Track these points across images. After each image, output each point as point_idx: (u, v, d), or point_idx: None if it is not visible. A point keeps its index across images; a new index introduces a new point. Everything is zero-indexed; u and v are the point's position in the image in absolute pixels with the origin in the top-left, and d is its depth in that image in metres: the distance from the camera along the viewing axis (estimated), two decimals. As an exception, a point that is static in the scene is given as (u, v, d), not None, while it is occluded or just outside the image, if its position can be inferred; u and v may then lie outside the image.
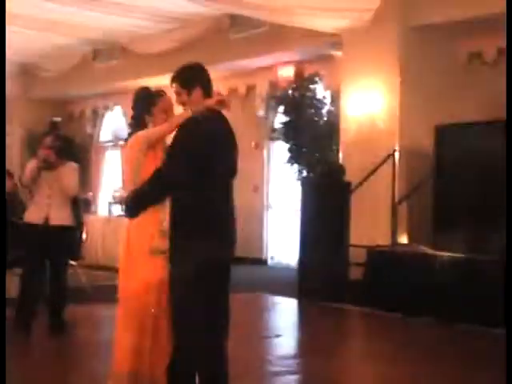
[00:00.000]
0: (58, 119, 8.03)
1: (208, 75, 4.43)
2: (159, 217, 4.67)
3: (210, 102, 4.29)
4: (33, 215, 7.50)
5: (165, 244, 4.36)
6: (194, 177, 4.14)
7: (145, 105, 5.07)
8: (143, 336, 4.67)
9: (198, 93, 4.30)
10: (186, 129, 4.21)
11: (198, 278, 4.12)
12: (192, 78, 4.37)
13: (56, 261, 7.50)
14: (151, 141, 4.86)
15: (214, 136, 4.21)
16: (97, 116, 18.85)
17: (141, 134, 4.94)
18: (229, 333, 4.40)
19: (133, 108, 5.20)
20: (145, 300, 4.65)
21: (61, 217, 7.36)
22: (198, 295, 4.14)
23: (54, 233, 7.32)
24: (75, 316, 8.16)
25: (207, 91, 4.35)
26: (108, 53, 16.23)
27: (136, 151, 4.86)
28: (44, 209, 7.40)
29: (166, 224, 4.42)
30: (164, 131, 4.87)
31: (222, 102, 4.35)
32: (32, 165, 7.47)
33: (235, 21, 13.37)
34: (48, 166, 7.42)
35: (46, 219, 7.38)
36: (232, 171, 4.41)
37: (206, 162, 4.15)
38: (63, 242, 7.49)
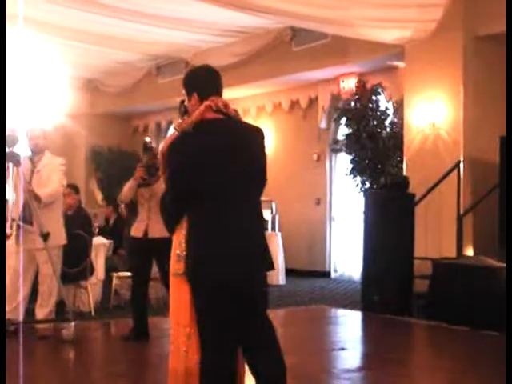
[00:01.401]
0: (148, 139, 8.30)
1: (210, 79, 4.16)
2: (178, 239, 4.68)
3: (197, 113, 4.01)
4: (135, 230, 7.86)
5: (181, 267, 4.25)
6: (188, 195, 3.94)
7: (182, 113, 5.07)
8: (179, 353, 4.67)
9: (194, 99, 4.08)
10: (166, 155, 4.06)
11: (201, 302, 3.98)
12: (189, 83, 4.17)
13: (163, 272, 7.61)
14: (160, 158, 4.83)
15: (192, 153, 3.90)
16: (160, 130, 19.08)
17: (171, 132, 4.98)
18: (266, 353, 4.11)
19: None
20: (177, 319, 4.67)
21: (159, 229, 7.50)
22: (206, 318, 3.99)
23: (155, 245, 7.52)
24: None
25: (204, 97, 4.05)
26: (171, 68, 16.42)
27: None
28: (144, 223, 7.75)
29: (182, 247, 4.35)
30: (159, 161, 4.77)
31: (208, 109, 3.99)
32: (130, 183, 7.79)
33: (297, 33, 13.43)
34: (144, 183, 7.73)
35: (146, 233, 7.71)
36: (240, 181, 3.97)
37: (193, 177, 3.89)
38: (165, 252, 7.64)
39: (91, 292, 9.62)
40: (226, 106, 4.05)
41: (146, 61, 16.27)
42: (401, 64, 11.86)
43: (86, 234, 9.39)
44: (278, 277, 13.42)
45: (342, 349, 7.95)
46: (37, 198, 7.63)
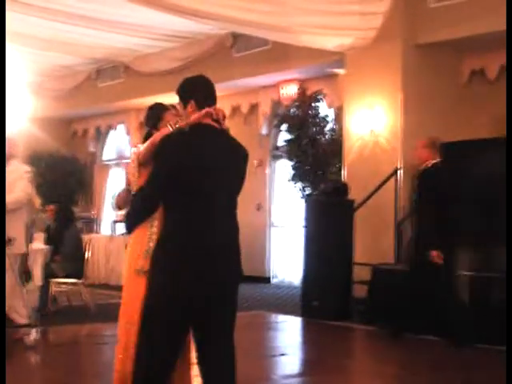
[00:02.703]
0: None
1: (207, 88, 4.25)
2: (146, 236, 4.65)
3: (197, 116, 4.08)
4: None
5: (147, 265, 4.18)
6: (170, 195, 3.94)
7: (154, 120, 5.08)
8: (127, 354, 4.60)
9: (192, 106, 4.13)
10: (159, 145, 4.06)
11: (159, 309, 3.89)
12: (186, 90, 4.23)
13: None
14: (139, 158, 4.86)
15: (186, 150, 3.96)
16: (100, 135, 18.90)
17: (133, 151, 4.97)
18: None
19: (145, 124, 5.24)
20: (130, 318, 4.64)
21: None
22: (161, 318, 3.90)
23: None
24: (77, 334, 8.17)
25: (201, 105, 4.13)
26: (111, 72, 16.29)
27: (131, 168, 4.90)
28: None
29: (152, 244, 4.35)
30: (147, 148, 4.81)
31: (208, 115, 4.07)
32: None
33: (238, 39, 13.43)
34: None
35: None
36: (226, 190, 4.06)
37: (180, 178, 3.90)
38: None
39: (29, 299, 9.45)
40: (224, 118, 4.17)
41: (86, 64, 16.11)
42: (341, 71, 11.95)
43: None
44: (218, 282, 13.37)
45: (282, 354, 7.97)
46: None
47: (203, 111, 4.06)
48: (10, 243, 7.42)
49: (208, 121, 4.07)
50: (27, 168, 8.24)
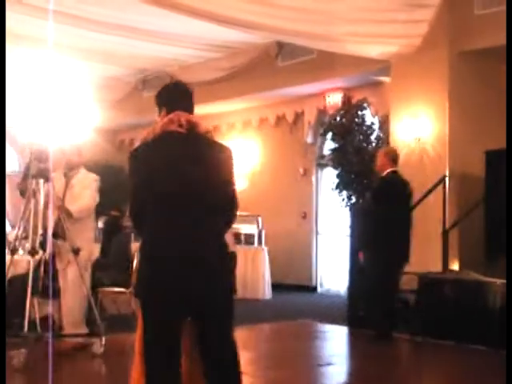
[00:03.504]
0: None
1: (176, 95, 4.23)
2: None
3: (160, 124, 4.09)
4: None
5: None
6: (144, 206, 3.95)
7: None
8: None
9: (163, 113, 4.16)
10: (128, 158, 4.07)
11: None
12: (159, 98, 4.27)
13: None
14: None
15: (147, 162, 3.97)
16: (146, 144, 19.04)
17: None
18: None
19: None
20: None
21: None
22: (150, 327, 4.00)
23: None
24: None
25: (171, 112, 4.11)
26: (157, 82, 16.40)
27: None
28: None
29: None
30: None
31: (172, 122, 4.04)
32: None
33: (283, 48, 13.46)
34: None
35: None
36: (195, 199, 3.93)
37: (146, 190, 3.92)
38: None
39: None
40: (188, 121, 4.07)
41: (132, 75, 16.26)
42: (386, 79, 11.92)
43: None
44: (263, 291, 13.41)
45: (329, 364, 7.94)
46: (68, 214, 7.76)
47: (165, 119, 4.07)
48: (78, 252, 7.53)
49: (173, 128, 4.02)
50: (95, 176, 8.37)
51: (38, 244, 7.34)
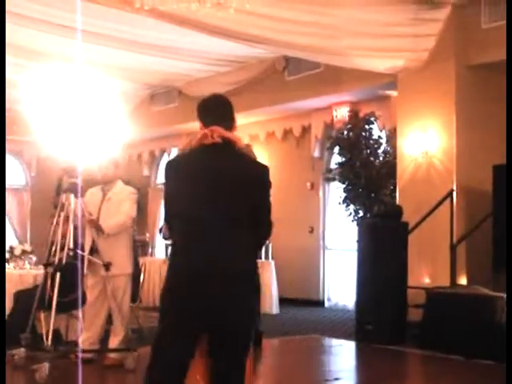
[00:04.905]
0: None
1: (210, 109, 4.26)
2: None
3: (196, 138, 4.13)
4: None
5: None
6: (172, 219, 4.08)
7: None
8: None
9: (201, 127, 4.20)
10: (165, 168, 4.15)
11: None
12: (197, 110, 4.30)
13: None
14: None
15: (178, 175, 4.05)
16: (154, 158, 19.09)
17: None
18: None
19: None
20: None
21: None
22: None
23: None
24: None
25: (207, 125, 4.13)
26: (165, 96, 16.47)
27: None
28: None
29: None
30: None
31: (205, 136, 4.05)
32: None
33: (290, 63, 13.48)
34: None
35: None
36: (224, 214, 3.91)
37: (175, 203, 4.03)
38: None
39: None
40: (222, 137, 4.06)
41: (140, 90, 16.30)
42: (393, 93, 11.92)
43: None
44: (271, 305, 13.38)
45: (336, 379, 7.90)
46: (100, 229, 7.78)
47: (199, 134, 4.10)
48: (109, 267, 7.56)
49: (208, 141, 4.04)
50: (132, 189, 8.35)
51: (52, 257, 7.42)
